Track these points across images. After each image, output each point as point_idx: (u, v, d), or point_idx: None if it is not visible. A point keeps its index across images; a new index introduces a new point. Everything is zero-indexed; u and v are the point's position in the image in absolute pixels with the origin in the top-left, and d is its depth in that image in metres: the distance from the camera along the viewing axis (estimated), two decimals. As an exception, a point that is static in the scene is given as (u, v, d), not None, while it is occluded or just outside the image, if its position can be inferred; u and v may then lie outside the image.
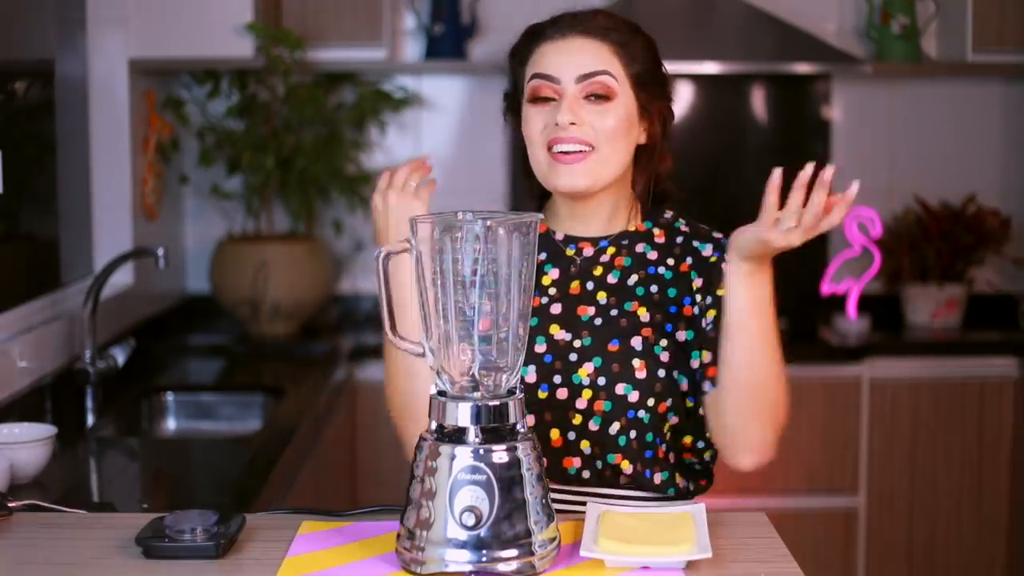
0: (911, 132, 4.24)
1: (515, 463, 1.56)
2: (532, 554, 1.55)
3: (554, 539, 1.59)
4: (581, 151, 1.81)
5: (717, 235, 1.93)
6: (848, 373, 3.77)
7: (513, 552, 1.54)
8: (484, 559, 1.53)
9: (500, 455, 1.55)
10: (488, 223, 1.55)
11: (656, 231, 1.93)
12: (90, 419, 2.83)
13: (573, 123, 1.81)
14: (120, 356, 2.96)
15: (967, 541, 3.83)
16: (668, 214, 1.95)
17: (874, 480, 3.80)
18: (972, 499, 3.82)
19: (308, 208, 3.97)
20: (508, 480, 1.55)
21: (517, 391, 1.61)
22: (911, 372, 3.80)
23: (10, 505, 1.83)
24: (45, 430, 2.28)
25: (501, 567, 1.54)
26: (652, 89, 1.88)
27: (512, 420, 1.59)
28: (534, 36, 1.89)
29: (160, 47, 3.43)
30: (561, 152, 1.82)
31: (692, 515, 1.69)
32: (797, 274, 4.17)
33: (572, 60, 1.83)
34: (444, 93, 4.17)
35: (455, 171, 4.18)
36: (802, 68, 3.98)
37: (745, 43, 3.97)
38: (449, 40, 4.02)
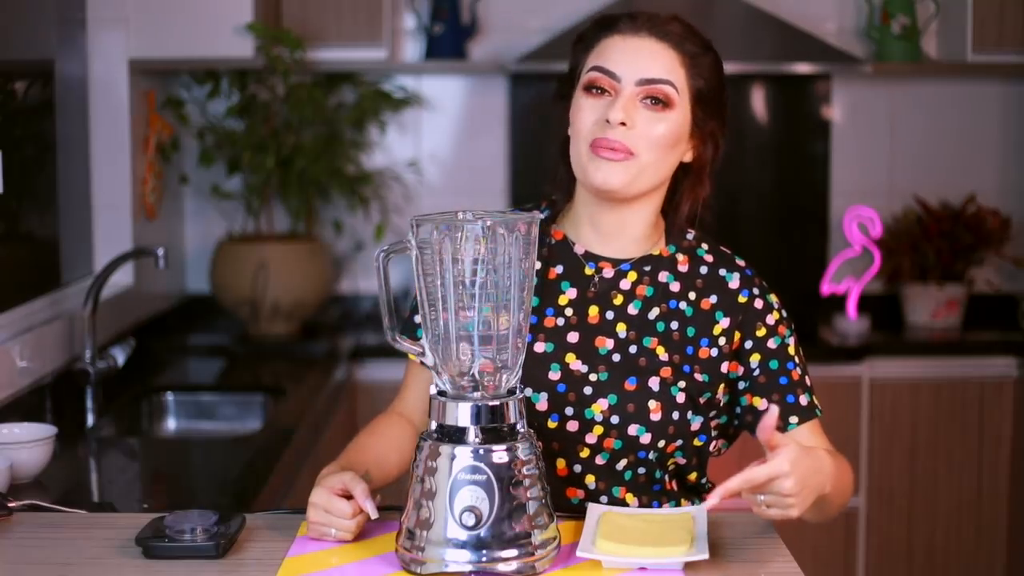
0: (911, 132, 4.24)
1: (515, 463, 1.56)
2: (532, 554, 1.56)
3: (554, 539, 1.59)
4: (621, 154, 1.75)
5: (740, 262, 1.88)
6: (848, 373, 3.77)
7: (513, 552, 1.54)
8: (484, 559, 1.54)
9: (500, 455, 1.55)
10: (488, 223, 1.55)
11: (680, 257, 1.87)
12: (90, 419, 2.83)
13: (623, 123, 1.74)
14: (120, 356, 2.95)
15: (967, 541, 3.83)
16: (690, 235, 1.89)
17: (874, 480, 3.80)
18: (972, 499, 3.82)
19: (308, 208, 3.97)
20: (508, 480, 1.55)
21: (517, 391, 1.61)
22: (911, 372, 3.80)
23: (10, 505, 1.83)
24: (45, 430, 2.28)
25: (501, 567, 1.54)
26: (710, 108, 1.81)
27: (512, 420, 1.59)
28: (605, 25, 1.82)
29: (160, 47, 3.43)
30: (603, 147, 1.75)
31: (693, 516, 1.69)
32: (797, 274, 4.20)
33: (638, 60, 1.76)
34: (444, 93, 4.17)
35: (455, 171, 4.18)
36: (802, 68, 3.98)
37: (745, 43, 3.97)
38: (449, 40, 4.02)
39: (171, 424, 3.18)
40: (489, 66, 4.04)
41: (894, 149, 4.24)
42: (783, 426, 1.81)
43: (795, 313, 4.19)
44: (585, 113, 1.78)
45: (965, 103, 4.22)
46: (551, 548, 1.58)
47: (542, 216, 1.64)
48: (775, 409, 1.58)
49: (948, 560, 3.83)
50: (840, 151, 4.21)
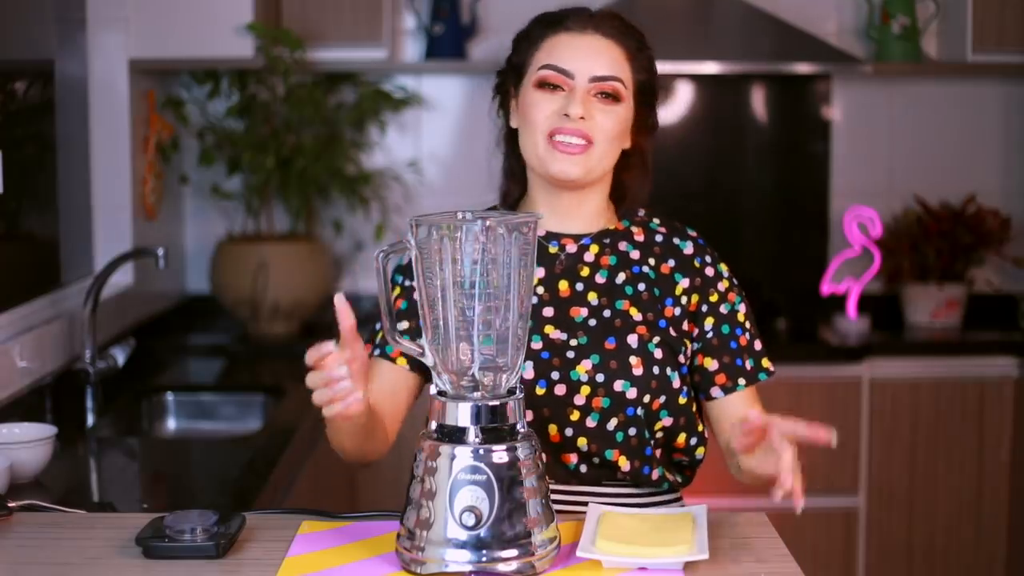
0: (911, 132, 4.24)
1: (515, 463, 1.56)
2: (532, 554, 1.56)
3: (554, 539, 1.59)
4: (580, 144, 1.85)
5: (692, 233, 1.98)
6: (848, 373, 3.77)
7: (513, 552, 1.55)
8: (484, 559, 1.54)
9: (500, 455, 1.55)
10: (488, 223, 1.56)
11: (635, 229, 1.96)
12: (90, 419, 2.83)
13: (583, 117, 1.84)
14: (120, 356, 2.96)
15: (967, 541, 3.83)
16: (641, 212, 1.99)
17: (874, 480, 3.79)
18: (972, 499, 3.82)
19: (308, 208, 3.97)
20: (508, 480, 1.55)
21: (517, 391, 1.61)
22: (911, 372, 3.80)
23: (10, 505, 1.83)
24: (45, 430, 2.28)
25: (501, 567, 1.54)
26: (650, 100, 1.93)
27: (512, 420, 1.59)
28: (550, 23, 1.91)
29: (160, 47, 3.43)
30: (562, 142, 1.85)
31: (694, 516, 1.69)
32: (797, 274, 4.20)
33: (589, 58, 1.86)
34: (444, 93, 4.17)
35: (455, 171, 4.18)
36: (802, 68, 3.98)
37: (745, 43, 3.97)
38: (449, 40, 4.02)
39: (171, 424, 3.18)
40: (489, 66, 4.02)
41: (894, 149, 4.24)
42: (732, 386, 1.91)
43: (795, 313, 4.18)
44: (540, 107, 1.88)
45: (965, 103, 4.22)
46: (551, 548, 1.58)
47: (541, 216, 1.66)
48: (754, 414, 1.63)
49: (948, 560, 3.83)
50: (840, 151, 4.21)
